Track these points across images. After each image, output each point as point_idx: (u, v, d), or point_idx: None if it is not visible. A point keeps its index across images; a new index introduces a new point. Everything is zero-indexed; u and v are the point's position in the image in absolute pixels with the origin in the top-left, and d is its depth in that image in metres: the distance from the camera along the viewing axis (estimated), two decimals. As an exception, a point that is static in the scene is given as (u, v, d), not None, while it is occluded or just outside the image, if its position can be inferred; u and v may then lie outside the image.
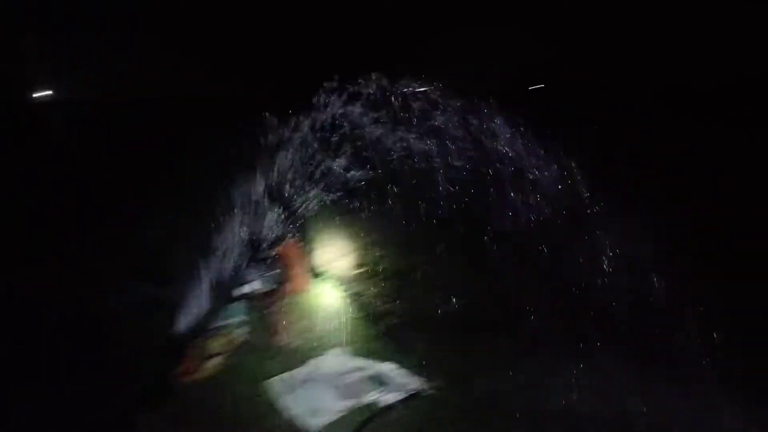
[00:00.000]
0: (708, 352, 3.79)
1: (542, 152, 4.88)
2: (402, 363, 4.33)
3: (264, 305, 4.57)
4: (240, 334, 4.46)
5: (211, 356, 4.32)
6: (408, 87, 5.23)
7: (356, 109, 5.04)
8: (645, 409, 3.60)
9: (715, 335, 3.89)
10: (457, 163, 5.01)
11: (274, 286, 4.61)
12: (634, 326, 4.10)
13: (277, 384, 4.12)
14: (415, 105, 5.16)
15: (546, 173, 4.83)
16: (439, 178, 5.05)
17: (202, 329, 4.49)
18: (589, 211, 4.70)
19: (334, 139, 5.08)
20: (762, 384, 3.65)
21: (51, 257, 5.34)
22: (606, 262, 4.43)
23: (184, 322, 4.39)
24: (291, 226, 4.83)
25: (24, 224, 5.77)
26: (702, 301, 3.99)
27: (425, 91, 5.32)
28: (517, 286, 4.64)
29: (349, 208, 5.22)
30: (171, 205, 5.68)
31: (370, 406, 3.96)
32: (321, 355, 4.43)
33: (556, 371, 4.03)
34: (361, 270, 5.33)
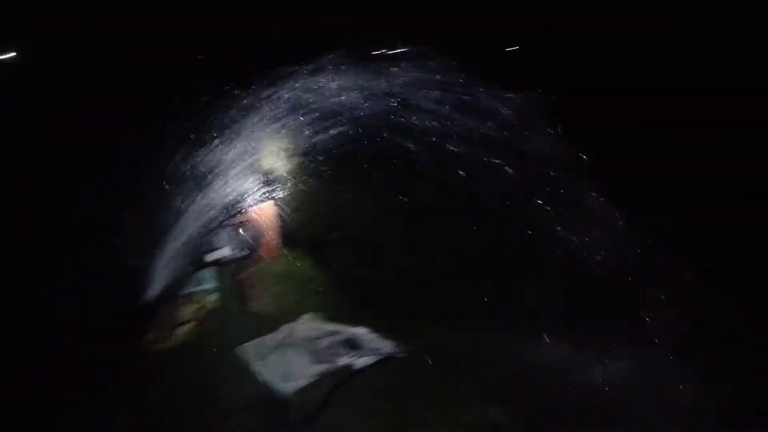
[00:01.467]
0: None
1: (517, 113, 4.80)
2: (373, 328, 4.35)
3: (235, 271, 4.51)
4: (211, 300, 4.42)
5: (181, 323, 4.28)
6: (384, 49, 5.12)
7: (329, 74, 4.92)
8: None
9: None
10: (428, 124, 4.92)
11: (245, 252, 4.54)
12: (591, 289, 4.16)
13: (249, 350, 4.11)
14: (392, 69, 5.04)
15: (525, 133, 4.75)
16: (412, 144, 4.97)
17: (171, 296, 4.44)
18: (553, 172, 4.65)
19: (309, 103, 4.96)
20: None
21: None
22: (581, 227, 4.44)
23: (153, 289, 4.32)
24: (263, 190, 4.74)
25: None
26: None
27: (402, 53, 5.22)
28: (489, 253, 4.65)
29: (322, 172, 5.12)
30: (134, 169, 5.49)
31: (342, 369, 3.99)
32: (293, 320, 4.41)
33: (522, 335, 4.08)
34: (334, 236, 5.28)
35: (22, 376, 3.75)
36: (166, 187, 4.60)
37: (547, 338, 3.98)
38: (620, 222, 4.24)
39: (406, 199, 5.10)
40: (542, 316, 4.06)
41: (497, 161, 4.66)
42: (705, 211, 4.46)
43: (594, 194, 4.41)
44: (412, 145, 4.88)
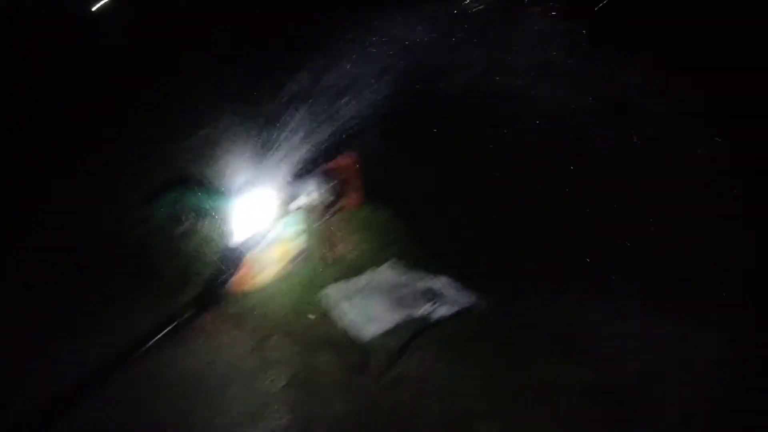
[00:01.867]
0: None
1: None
2: (453, 280, 4.37)
3: (320, 218, 4.60)
4: (296, 244, 4.54)
5: (266, 265, 4.45)
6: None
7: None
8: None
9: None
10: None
11: (330, 200, 4.62)
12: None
13: (331, 293, 4.23)
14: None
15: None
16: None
17: (258, 239, 4.60)
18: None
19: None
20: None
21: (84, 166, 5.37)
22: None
23: (241, 231, 4.48)
24: (349, 137, 4.76)
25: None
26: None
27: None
28: (580, 210, 4.50)
29: (409, 123, 5.08)
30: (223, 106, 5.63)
31: (422, 318, 4.05)
32: (375, 268, 4.49)
33: (604, 299, 3.99)
34: (420, 187, 5.26)
35: (101, 320, 4.02)
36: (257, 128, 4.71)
37: (637, 305, 3.86)
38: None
39: (494, 152, 5.00)
40: (633, 281, 3.94)
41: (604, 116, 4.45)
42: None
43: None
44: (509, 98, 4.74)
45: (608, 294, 3.94)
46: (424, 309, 4.09)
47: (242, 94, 5.54)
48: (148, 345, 3.70)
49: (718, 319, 3.65)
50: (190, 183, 4.99)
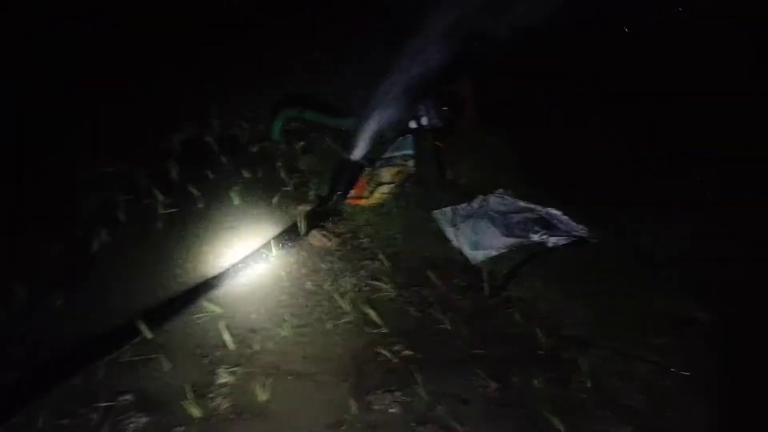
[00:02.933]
0: None
1: None
2: (567, 210, 4.30)
3: (434, 140, 4.62)
4: (410, 166, 4.60)
5: (380, 184, 4.54)
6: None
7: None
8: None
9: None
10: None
11: (445, 123, 4.61)
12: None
13: (443, 215, 4.29)
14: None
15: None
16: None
17: (374, 158, 4.69)
18: None
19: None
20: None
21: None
22: None
23: (357, 149, 4.58)
24: (467, 62, 4.68)
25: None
26: None
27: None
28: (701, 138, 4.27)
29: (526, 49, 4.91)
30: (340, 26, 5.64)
31: (533, 246, 4.04)
32: (487, 193, 4.48)
33: (726, 229, 3.82)
34: (533, 115, 5.13)
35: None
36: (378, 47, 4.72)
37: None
38: None
39: (613, 85, 4.77)
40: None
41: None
42: None
43: None
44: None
45: (727, 223, 3.74)
46: (535, 236, 4.07)
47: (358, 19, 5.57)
48: (265, 253, 3.98)
49: None
50: (311, 100, 5.14)
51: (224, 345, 3.29)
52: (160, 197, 4.35)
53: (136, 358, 3.24)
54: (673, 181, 4.36)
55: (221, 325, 3.34)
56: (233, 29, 5.89)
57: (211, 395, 3.04)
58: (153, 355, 3.24)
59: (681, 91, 4.59)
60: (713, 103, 4.40)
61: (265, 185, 4.63)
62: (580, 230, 4.12)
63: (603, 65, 4.94)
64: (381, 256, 3.98)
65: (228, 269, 3.84)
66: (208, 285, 3.70)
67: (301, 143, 4.96)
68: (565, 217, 4.22)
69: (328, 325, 3.49)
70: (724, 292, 3.49)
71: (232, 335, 3.32)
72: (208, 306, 3.51)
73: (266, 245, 4.00)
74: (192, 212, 4.37)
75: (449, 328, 3.45)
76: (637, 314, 3.42)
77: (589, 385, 3.00)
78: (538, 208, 4.31)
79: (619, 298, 3.53)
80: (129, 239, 4.10)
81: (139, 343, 3.29)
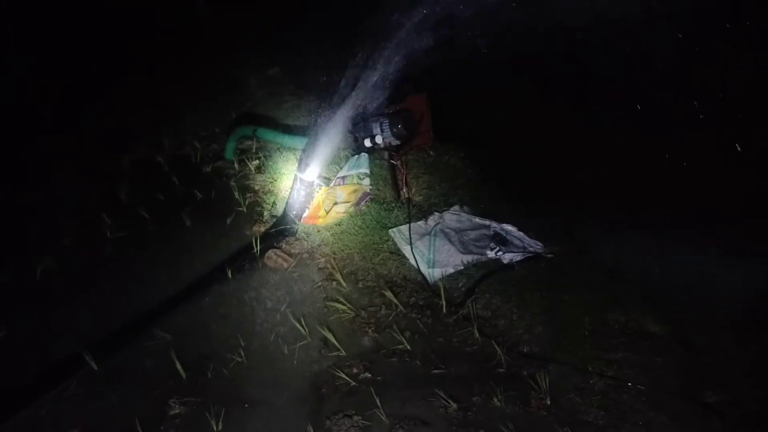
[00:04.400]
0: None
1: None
2: (522, 225, 4.32)
3: (389, 158, 4.60)
4: (366, 184, 4.57)
5: (336, 203, 4.50)
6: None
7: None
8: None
9: None
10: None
11: (400, 141, 4.59)
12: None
13: (400, 233, 4.25)
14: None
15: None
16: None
17: (329, 177, 4.64)
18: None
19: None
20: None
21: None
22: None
23: (312, 168, 4.53)
24: (419, 79, 4.69)
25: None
26: None
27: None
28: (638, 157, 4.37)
29: (478, 64, 4.95)
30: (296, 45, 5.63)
31: (489, 262, 4.04)
32: (442, 210, 4.48)
33: (679, 242, 3.87)
34: (488, 131, 5.18)
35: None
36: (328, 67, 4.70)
37: (717, 249, 3.73)
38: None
39: (564, 95, 4.85)
40: (715, 226, 3.82)
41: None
42: None
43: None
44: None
45: (687, 240, 3.82)
46: (491, 253, 4.08)
47: (314, 36, 5.55)
48: (224, 274, 3.88)
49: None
50: (265, 120, 5.08)
51: (176, 374, 3.17)
52: (109, 221, 4.22)
53: (83, 391, 3.10)
54: (625, 195, 4.42)
55: (172, 353, 3.23)
56: (186, 45, 5.84)
57: (162, 428, 2.92)
58: (100, 388, 3.12)
59: (630, 106, 4.68)
60: (662, 120, 4.50)
61: (219, 206, 4.55)
62: (536, 245, 4.14)
63: (561, 78, 5.01)
64: (338, 276, 3.93)
65: (180, 293, 3.73)
66: (158, 311, 3.59)
67: (255, 162, 4.89)
68: (520, 233, 4.24)
69: (285, 350, 3.41)
70: (678, 305, 3.56)
71: (184, 363, 3.21)
72: (159, 333, 3.39)
73: (220, 267, 3.91)
74: (142, 236, 4.25)
75: (408, 348, 3.40)
76: (594, 329, 3.43)
77: (548, 402, 2.98)
78: (494, 224, 4.32)
79: (576, 313, 3.54)
80: (76, 266, 3.97)
81: (86, 376, 3.17)
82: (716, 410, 2.84)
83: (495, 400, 3.00)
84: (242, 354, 3.33)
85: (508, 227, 4.31)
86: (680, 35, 4.23)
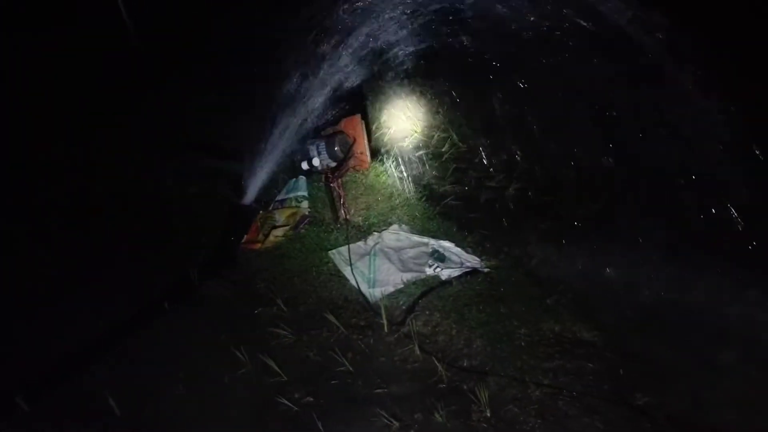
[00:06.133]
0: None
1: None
2: (460, 242, 4.41)
3: (326, 180, 4.63)
4: (304, 207, 4.59)
5: (275, 227, 4.49)
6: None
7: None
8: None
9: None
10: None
11: (336, 162, 4.64)
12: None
13: (339, 254, 4.28)
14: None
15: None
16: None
17: (266, 201, 4.64)
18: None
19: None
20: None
21: (97, 129, 5.42)
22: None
23: (248, 193, 4.52)
24: (354, 101, 4.77)
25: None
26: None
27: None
28: (583, 168, 4.52)
29: (413, 84, 5.07)
30: (230, 72, 5.60)
31: (428, 279, 4.10)
32: (381, 230, 4.53)
33: (608, 251, 4.04)
34: (423, 150, 5.28)
35: (112, 276, 4.09)
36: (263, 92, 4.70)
37: (645, 259, 3.89)
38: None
39: (501, 110, 4.98)
40: (642, 237, 3.98)
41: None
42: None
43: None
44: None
45: (616, 250, 3.98)
46: (430, 270, 4.14)
47: (250, 60, 5.55)
48: (160, 305, 3.80)
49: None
50: (201, 145, 5.03)
51: (112, 411, 3.09)
52: (41, 256, 4.09)
53: (14, 433, 2.98)
54: (557, 208, 4.57)
55: (109, 389, 3.14)
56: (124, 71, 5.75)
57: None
58: (32, 429, 3.01)
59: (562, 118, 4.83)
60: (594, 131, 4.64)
61: (156, 234, 4.47)
62: (473, 261, 4.23)
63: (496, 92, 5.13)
64: (278, 301, 3.91)
65: (117, 326, 3.64)
66: (94, 347, 3.49)
67: (193, 189, 4.84)
68: (458, 249, 4.33)
69: (225, 379, 3.37)
70: (609, 312, 3.69)
71: (121, 400, 3.12)
72: (92, 370, 3.30)
73: (158, 298, 3.84)
74: (76, 270, 4.13)
75: (350, 369, 3.41)
76: (529, 339, 3.52)
77: (488, 414, 3.03)
78: (432, 241, 4.39)
79: (512, 325, 3.63)
80: (3, 303, 3.82)
81: (18, 418, 3.05)
82: (645, 412, 2.96)
83: (437, 415, 3.04)
84: (182, 387, 3.27)
85: (446, 244, 4.39)
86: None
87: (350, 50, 4.62)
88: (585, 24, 4.35)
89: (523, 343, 3.51)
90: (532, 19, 4.56)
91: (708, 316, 3.50)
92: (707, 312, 3.51)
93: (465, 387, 3.24)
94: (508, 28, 4.60)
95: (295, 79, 4.50)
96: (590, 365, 3.31)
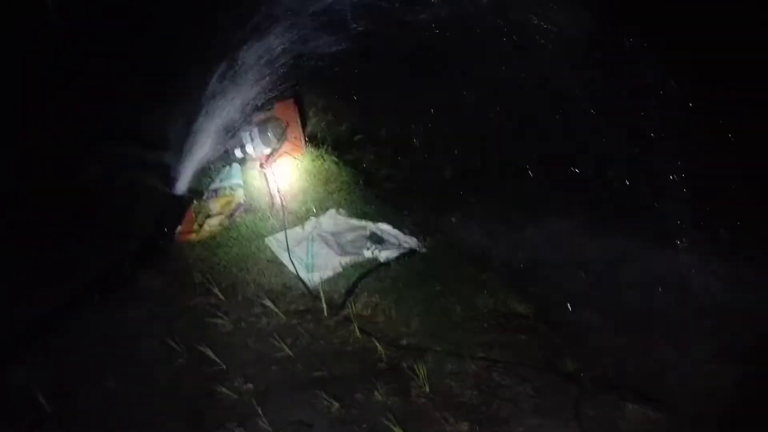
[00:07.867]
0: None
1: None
2: (396, 224, 4.45)
3: (261, 167, 4.57)
4: (238, 195, 4.52)
5: (209, 216, 4.42)
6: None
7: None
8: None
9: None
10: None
11: (271, 149, 4.59)
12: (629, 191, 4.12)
13: (277, 241, 4.25)
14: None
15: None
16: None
17: (199, 190, 4.55)
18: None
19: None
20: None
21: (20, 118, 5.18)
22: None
23: (181, 183, 4.42)
24: (287, 85, 4.70)
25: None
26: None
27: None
28: (513, 149, 4.61)
29: (347, 67, 5.03)
30: (156, 58, 5.44)
31: (367, 262, 4.13)
32: (318, 215, 4.52)
33: (539, 227, 4.14)
34: (359, 135, 5.29)
35: (43, 268, 3.95)
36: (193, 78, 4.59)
37: (579, 237, 3.99)
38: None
39: (434, 95, 5.02)
40: (576, 215, 4.06)
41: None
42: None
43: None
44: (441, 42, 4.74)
45: (546, 226, 4.09)
46: (368, 252, 4.16)
47: (182, 46, 5.40)
48: (90, 297, 3.69)
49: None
50: (130, 134, 4.88)
51: (40, 407, 2.98)
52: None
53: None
54: (491, 186, 4.66)
55: (36, 384, 3.04)
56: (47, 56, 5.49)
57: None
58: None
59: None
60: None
61: (84, 226, 4.32)
62: (411, 242, 4.28)
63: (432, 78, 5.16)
64: (215, 291, 3.86)
65: (43, 319, 3.51)
66: (19, 339, 3.36)
67: (123, 179, 4.69)
68: (395, 231, 4.36)
69: (160, 370, 3.31)
70: (540, 285, 3.81)
71: (48, 395, 3.02)
72: (20, 365, 3.18)
73: (87, 290, 3.72)
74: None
75: (290, 354, 3.40)
76: (465, 315, 3.61)
77: (427, 389, 3.09)
78: (370, 224, 4.42)
79: (449, 303, 3.70)
80: None
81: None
82: (573, 377, 3.10)
83: (377, 394, 3.08)
84: (113, 381, 3.19)
85: (384, 226, 4.43)
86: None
87: (282, 31, 4.55)
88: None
89: (459, 320, 3.59)
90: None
91: (631, 276, 3.64)
92: (630, 275, 3.64)
93: (404, 365, 3.29)
94: (447, 15, 4.63)
95: (224, 64, 4.40)
96: (522, 337, 3.43)
